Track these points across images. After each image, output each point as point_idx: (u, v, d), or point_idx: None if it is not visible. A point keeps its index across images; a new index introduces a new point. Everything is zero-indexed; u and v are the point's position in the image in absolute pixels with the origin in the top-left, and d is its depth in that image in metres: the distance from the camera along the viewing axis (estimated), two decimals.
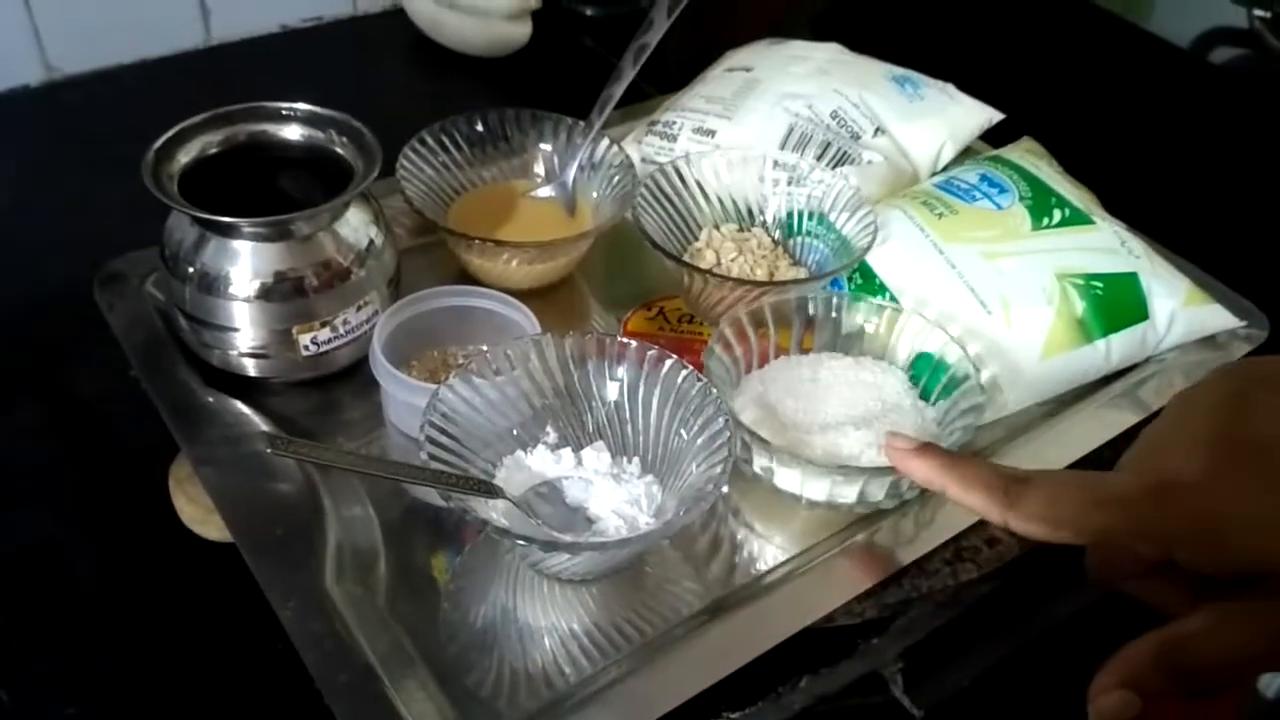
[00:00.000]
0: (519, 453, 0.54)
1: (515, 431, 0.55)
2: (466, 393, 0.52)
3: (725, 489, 0.50)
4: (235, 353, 0.57)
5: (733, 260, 0.67)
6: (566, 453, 0.54)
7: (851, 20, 0.88)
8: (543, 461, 0.54)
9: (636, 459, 0.55)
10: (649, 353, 0.54)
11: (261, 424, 0.57)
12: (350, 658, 0.47)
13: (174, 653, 0.50)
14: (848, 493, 0.54)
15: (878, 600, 0.54)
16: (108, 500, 0.56)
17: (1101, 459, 0.60)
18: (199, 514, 0.54)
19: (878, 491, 0.54)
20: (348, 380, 0.61)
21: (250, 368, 0.58)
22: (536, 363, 0.54)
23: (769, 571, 0.54)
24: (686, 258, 0.67)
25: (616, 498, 0.53)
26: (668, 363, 0.54)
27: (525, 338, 0.55)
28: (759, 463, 0.55)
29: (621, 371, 0.55)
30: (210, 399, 0.58)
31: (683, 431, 0.53)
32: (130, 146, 0.78)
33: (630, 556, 0.52)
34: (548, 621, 0.51)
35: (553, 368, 0.55)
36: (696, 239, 0.69)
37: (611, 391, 0.55)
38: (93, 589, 0.52)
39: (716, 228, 0.70)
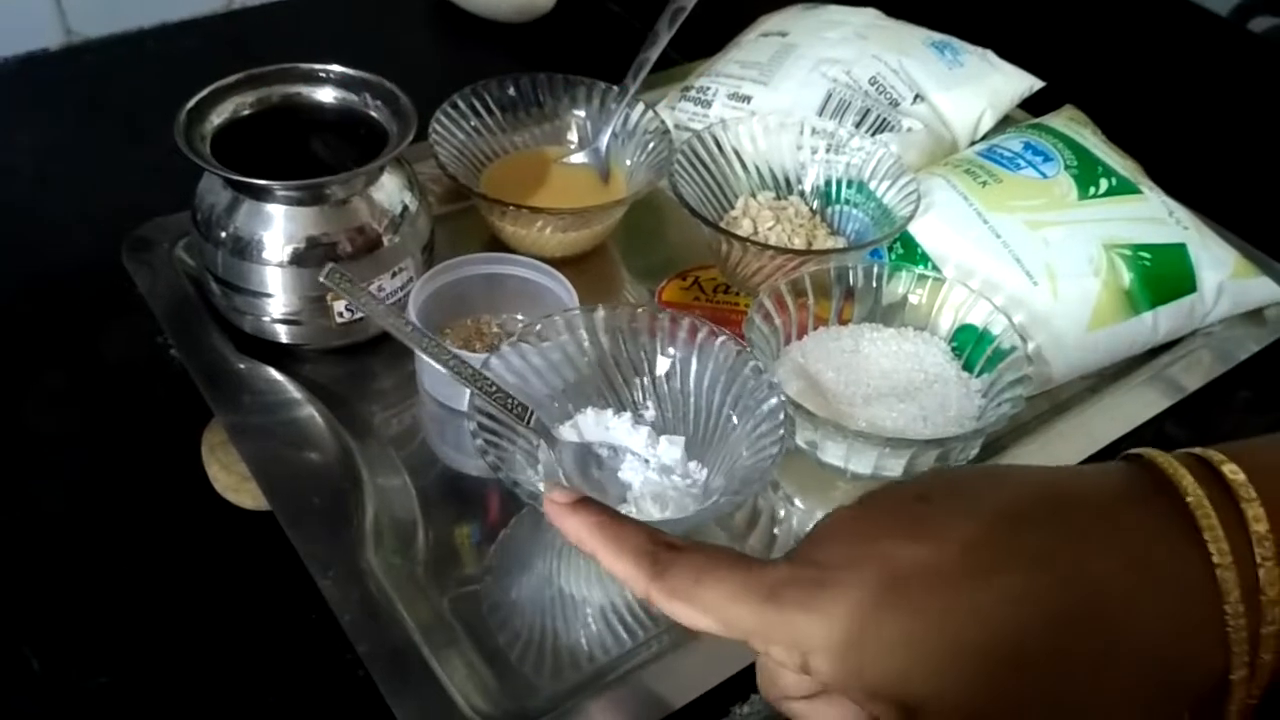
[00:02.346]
0: (565, 423, 0.53)
1: (564, 395, 0.53)
2: (515, 359, 0.51)
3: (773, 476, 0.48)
4: (268, 319, 0.56)
5: (770, 229, 0.65)
6: (614, 425, 0.53)
7: None
8: (588, 431, 0.53)
9: (683, 438, 0.53)
10: (701, 330, 0.52)
11: (296, 392, 0.56)
12: (392, 628, 0.46)
13: (206, 622, 0.49)
14: (894, 466, 0.53)
15: None
16: (138, 468, 0.55)
17: (1143, 438, 0.59)
18: (232, 482, 0.53)
19: (926, 465, 0.53)
20: (379, 348, 0.60)
21: (282, 334, 0.57)
22: (585, 333, 0.53)
23: None
24: (723, 226, 0.66)
25: (660, 476, 0.51)
26: (719, 339, 0.52)
27: (575, 309, 0.53)
28: (803, 436, 0.54)
29: (672, 348, 0.54)
30: (243, 365, 0.57)
31: (733, 415, 0.52)
32: (151, 111, 0.77)
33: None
34: (589, 596, 0.50)
35: (601, 339, 0.53)
36: (733, 207, 0.68)
37: (661, 366, 0.54)
38: (124, 557, 0.52)
39: (753, 195, 0.68)
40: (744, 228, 0.66)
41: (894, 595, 0.30)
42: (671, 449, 0.53)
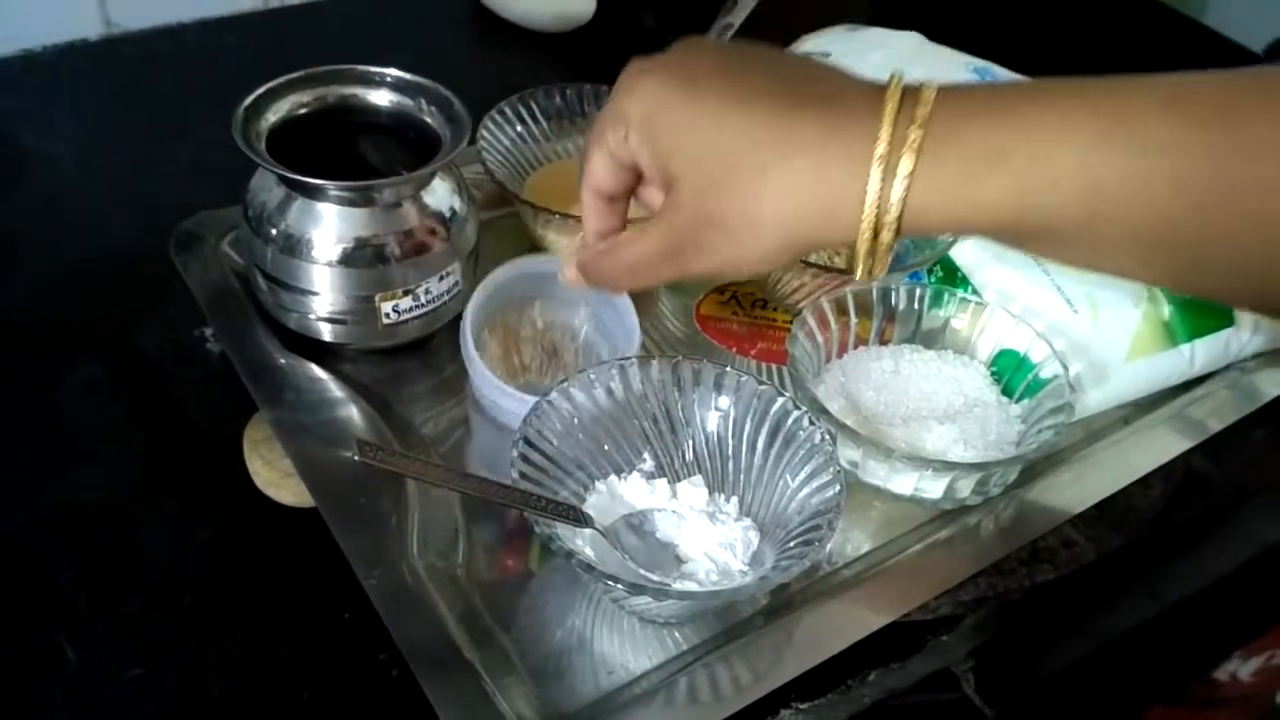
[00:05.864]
0: (613, 478, 0.52)
1: (611, 453, 0.52)
2: (564, 411, 0.50)
3: (828, 547, 0.48)
4: (314, 317, 0.56)
5: None
6: (662, 484, 0.52)
7: (924, 10, 0.86)
8: (636, 490, 0.51)
9: (735, 499, 0.52)
10: (761, 388, 0.51)
11: (339, 390, 0.56)
12: (436, 630, 0.46)
13: (241, 617, 0.49)
14: (934, 488, 0.53)
15: (951, 597, 0.53)
16: (178, 461, 0.56)
17: (1175, 469, 0.60)
18: (274, 477, 0.53)
19: (965, 488, 0.53)
20: (422, 349, 0.60)
21: (327, 333, 0.57)
22: (639, 384, 0.52)
23: (844, 566, 0.53)
24: None
25: (710, 539, 0.50)
26: (778, 401, 0.51)
27: (631, 358, 0.52)
28: (845, 455, 0.54)
29: (726, 402, 0.52)
30: (287, 361, 0.57)
31: (788, 476, 0.50)
32: (190, 105, 0.77)
33: (719, 606, 0.50)
34: None
35: (655, 391, 0.52)
36: None
37: (713, 422, 0.53)
38: (162, 550, 0.52)
39: None
40: None
41: (683, 91, 0.38)
42: (695, 491, 0.52)
